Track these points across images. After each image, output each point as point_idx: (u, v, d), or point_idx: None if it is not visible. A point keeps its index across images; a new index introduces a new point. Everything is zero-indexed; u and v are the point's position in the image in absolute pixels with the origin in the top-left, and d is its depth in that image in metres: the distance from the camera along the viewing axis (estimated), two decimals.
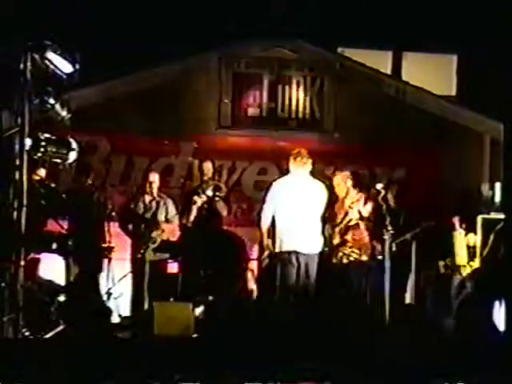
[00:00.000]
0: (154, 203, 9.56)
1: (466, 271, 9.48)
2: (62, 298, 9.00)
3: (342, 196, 9.51)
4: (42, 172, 8.39)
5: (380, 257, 9.33)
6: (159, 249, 9.42)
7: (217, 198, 9.55)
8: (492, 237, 9.00)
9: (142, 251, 9.43)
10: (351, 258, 9.63)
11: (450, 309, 9.29)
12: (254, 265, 10.17)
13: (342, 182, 9.78)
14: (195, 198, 9.55)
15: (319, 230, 8.82)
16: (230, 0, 11.61)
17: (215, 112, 11.13)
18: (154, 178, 9.72)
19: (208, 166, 9.87)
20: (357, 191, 9.88)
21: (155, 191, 9.64)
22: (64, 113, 7.23)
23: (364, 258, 9.62)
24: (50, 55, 6.89)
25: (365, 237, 9.55)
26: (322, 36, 11.48)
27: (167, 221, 9.58)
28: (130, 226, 9.61)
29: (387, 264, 9.00)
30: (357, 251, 9.71)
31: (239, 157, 11.16)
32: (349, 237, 9.72)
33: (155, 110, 10.93)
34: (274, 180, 9.05)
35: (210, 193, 9.49)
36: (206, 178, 9.79)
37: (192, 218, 9.56)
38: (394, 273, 9.02)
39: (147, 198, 9.61)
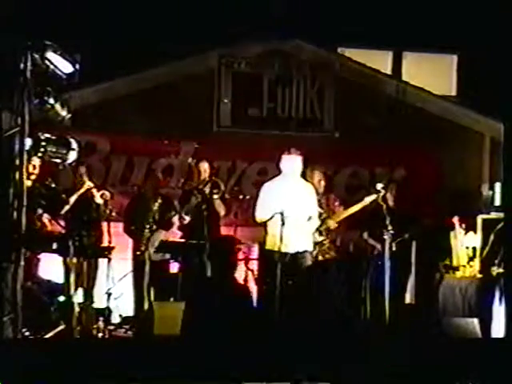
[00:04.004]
0: (156, 203, 9.55)
1: (465, 271, 9.47)
2: (61, 298, 9.01)
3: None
4: (37, 161, 8.33)
5: (380, 257, 9.36)
6: (159, 249, 9.41)
7: (215, 196, 9.52)
8: (492, 237, 8.99)
9: (141, 250, 9.43)
10: (327, 256, 9.65)
11: (451, 308, 9.28)
12: (254, 265, 10.17)
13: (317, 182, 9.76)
14: (193, 197, 9.55)
15: (310, 229, 8.82)
16: (230, 0, 11.61)
17: (215, 112, 11.13)
18: (156, 178, 9.72)
19: (204, 167, 9.87)
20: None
21: (157, 192, 9.64)
22: (64, 113, 7.22)
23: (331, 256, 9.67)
24: (50, 55, 6.88)
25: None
26: (322, 36, 11.48)
27: (169, 219, 9.57)
28: (133, 227, 9.61)
29: (387, 264, 9.00)
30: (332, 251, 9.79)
31: (239, 157, 11.16)
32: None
33: (155, 109, 10.94)
34: (265, 181, 9.12)
35: (207, 190, 9.48)
36: (202, 178, 9.79)
37: (190, 218, 9.56)
38: (394, 273, 9.03)
39: (150, 199, 9.59)
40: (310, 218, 8.80)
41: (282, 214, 8.44)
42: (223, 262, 9.60)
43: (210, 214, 9.49)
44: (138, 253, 9.48)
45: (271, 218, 8.61)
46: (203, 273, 9.23)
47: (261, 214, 8.79)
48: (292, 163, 8.86)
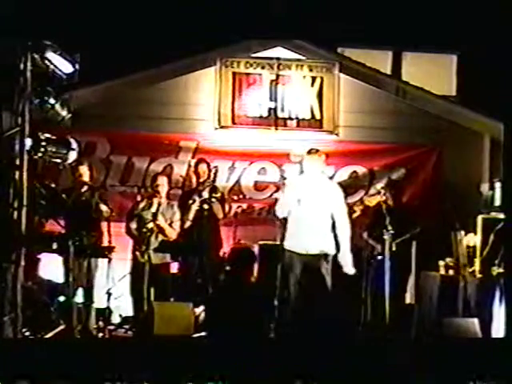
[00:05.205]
0: (160, 207, 9.54)
1: (465, 271, 9.47)
2: (61, 298, 9.01)
3: None
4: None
5: (380, 257, 9.35)
6: (159, 249, 9.41)
7: (213, 200, 9.55)
8: (492, 237, 8.99)
9: (141, 251, 9.41)
10: None
11: (451, 308, 9.28)
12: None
13: None
14: (191, 201, 9.57)
15: (331, 230, 8.68)
16: (230, 0, 11.62)
17: (215, 112, 11.12)
18: (163, 181, 9.70)
19: (203, 168, 9.88)
20: None
21: (163, 195, 9.62)
22: (64, 113, 7.24)
23: None
24: (50, 55, 6.89)
25: None
26: (322, 36, 11.48)
27: (171, 225, 9.56)
28: (134, 229, 9.59)
29: (387, 264, 9.00)
30: None
31: (239, 157, 11.15)
32: None
33: (155, 109, 10.93)
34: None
35: (206, 194, 9.51)
36: (201, 180, 9.80)
37: (189, 220, 9.57)
38: (393, 273, 9.03)
39: (155, 202, 9.58)
40: (331, 218, 8.66)
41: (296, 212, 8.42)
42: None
43: (210, 216, 9.51)
44: (138, 253, 9.46)
45: (287, 216, 8.52)
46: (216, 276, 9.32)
47: (279, 212, 8.68)
48: (314, 163, 8.72)
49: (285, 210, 8.57)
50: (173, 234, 9.54)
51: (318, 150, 8.76)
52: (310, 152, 8.72)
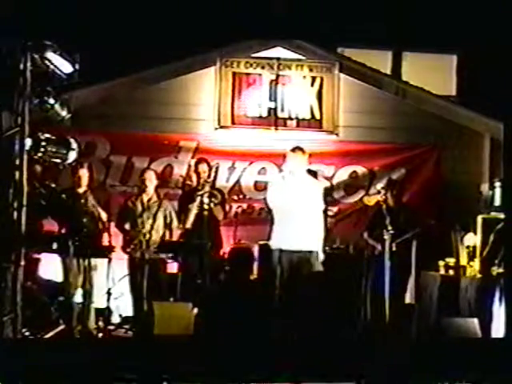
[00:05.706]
0: (151, 203, 9.54)
1: (466, 271, 9.47)
2: (61, 298, 9.02)
3: None
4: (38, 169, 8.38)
5: (380, 257, 9.36)
6: (159, 249, 9.41)
7: (212, 204, 9.56)
8: (492, 237, 8.99)
9: (140, 251, 9.42)
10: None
11: (451, 308, 9.29)
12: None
13: None
14: (190, 204, 9.58)
15: (316, 227, 8.72)
16: (230, 0, 11.62)
17: (215, 112, 11.12)
18: (150, 175, 9.70)
19: (204, 168, 9.88)
20: None
21: (151, 190, 9.62)
22: (64, 113, 7.24)
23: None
24: (50, 55, 6.89)
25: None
26: (322, 36, 11.48)
27: (168, 224, 9.57)
28: (127, 226, 9.60)
29: (387, 264, 9.00)
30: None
31: (239, 157, 11.15)
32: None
33: (155, 109, 10.93)
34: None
35: (205, 200, 9.51)
36: (202, 180, 9.79)
37: (189, 222, 9.59)
38: (393, 273, 9.03)
39: (144, 198, 9.59)
40: (316, 215, 8.65)
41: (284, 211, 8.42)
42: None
43: (210, 216, 9.51)
44: (129, 250, 9.46)
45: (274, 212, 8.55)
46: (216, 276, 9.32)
47: (271, 204, 8.70)
48: (297, 161, 8.72)
49: (274, 201, 8.58)
50: (172, 233, 9.55)
51: (301, 148, 8.78)
52: (293, 150, 8.74)
